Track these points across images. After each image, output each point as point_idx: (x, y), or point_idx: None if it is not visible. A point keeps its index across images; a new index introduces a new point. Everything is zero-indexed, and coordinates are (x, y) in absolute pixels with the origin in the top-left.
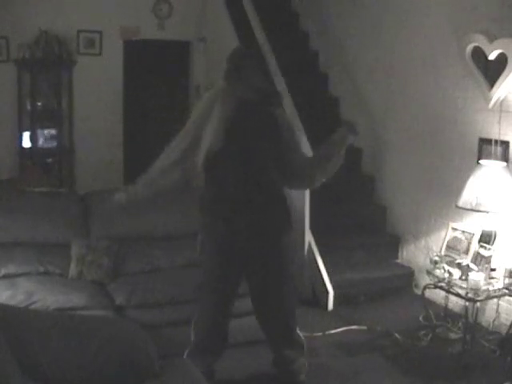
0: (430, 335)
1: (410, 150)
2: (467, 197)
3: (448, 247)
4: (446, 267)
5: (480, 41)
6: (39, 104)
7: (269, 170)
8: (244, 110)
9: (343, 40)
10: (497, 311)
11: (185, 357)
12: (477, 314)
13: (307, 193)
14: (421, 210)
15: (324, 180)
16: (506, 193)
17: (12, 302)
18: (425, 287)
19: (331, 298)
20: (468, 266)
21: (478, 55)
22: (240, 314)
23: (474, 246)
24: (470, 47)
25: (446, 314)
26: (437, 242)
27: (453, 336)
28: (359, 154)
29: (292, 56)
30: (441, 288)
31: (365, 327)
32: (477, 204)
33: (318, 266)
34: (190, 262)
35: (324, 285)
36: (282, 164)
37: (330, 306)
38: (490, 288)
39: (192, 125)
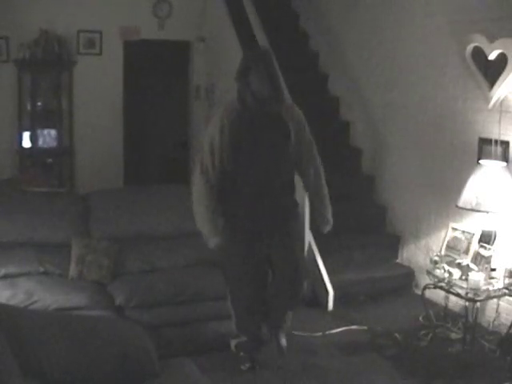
0: (430, 335)
1: (410, 150)
2: (467, 197)
3: (448, 247)
4: (446, 267)
5: (480, 41)
6: (39, 104)
7: (284, 165)
8: (248, 116)
9: (343, 40)
10: (497, 311)
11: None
12: (477, 314)
13: (307, 193)
14: (421, 210)
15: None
16: (506, 193)
17: (12, 302)
18: (425, 287)
19: (331, 298)
20: (468, 265)
21: (478, 55)
22: None
23: (474, 246)
24: (470, 47)
25: (446, 313)
26: (437, 242)
27: (453, 336)
28: (359, 154)
29: (292, 56)
30: (441, 288)
31: (365, 327)
32: (477, 204)
33: (318, 266)
34: (189, 262)
35: (324, 285)
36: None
37: (330, 306)
38: (490, 288)
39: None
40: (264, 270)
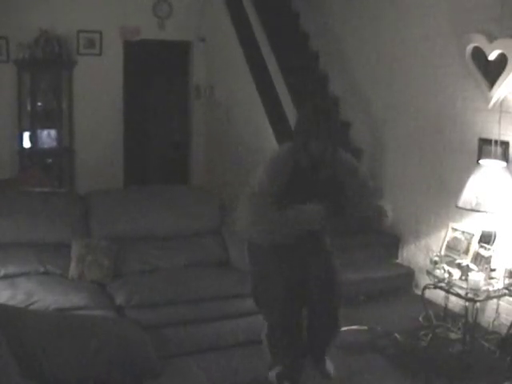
0: (430, 335)
1: (410, 150)
2: (467, 197)
3: (448, 247)
4: (446, 267)
5: (480, 41)
6: (39, 104)
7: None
8: (300, 173)
9: (343, 40)
10: (497, 311)
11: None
12: (477, 314)
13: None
14: (421, 210)
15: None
16: (506, 193)
17: (12, 302)
18: (425, 287)
19: None
20: (468, 266)
21: (478, 55)
22: (240, 314)
23: (474, 247)
24: (469, 47)
25: (446, 314)
26: (437, 242)
27: (453, 336)
28: (359, 154)
29: (292, 56)
30: (441, 288)
31: (365, 327)
32: (477, 204)
33: None
34: (189, 262)
35: None
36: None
37: None
38: (490, 288)
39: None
40: (300, 296)
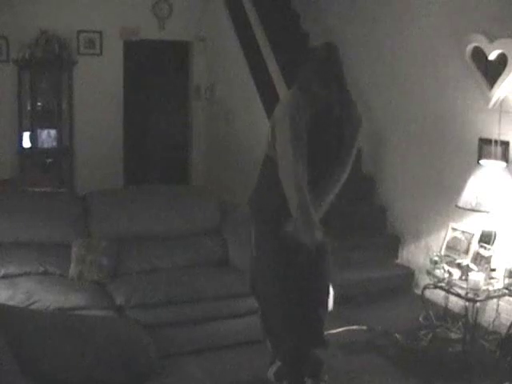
0: (430, 335)
1: (410, 150)
2: (467, 197)
3: (448, 247)
4: (446, 267)
5: (480, 41)
6: (39, 104)
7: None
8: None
9: (343, 40)
10: (497, 311)
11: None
12: (477, 314)
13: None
14: (421, 209)
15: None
16: (506, 193)
17: (12, 302)
18: (425, 287)
19: (331, 297)
20: (468, 266)
21: (478, 55)
22: (240, 314)
23: (474, 246)
24: (469, 47)
25: (446, 314)
26: (437, 241)
27: (453, 336)
28: (359, 155)
29: (292, 56)
30: (441, 288)
31: (365, 327)
32: (477, 204)
33: None
34: (189, 262)
35: None
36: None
37: (330, 306)
38: (490, 288)
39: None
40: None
